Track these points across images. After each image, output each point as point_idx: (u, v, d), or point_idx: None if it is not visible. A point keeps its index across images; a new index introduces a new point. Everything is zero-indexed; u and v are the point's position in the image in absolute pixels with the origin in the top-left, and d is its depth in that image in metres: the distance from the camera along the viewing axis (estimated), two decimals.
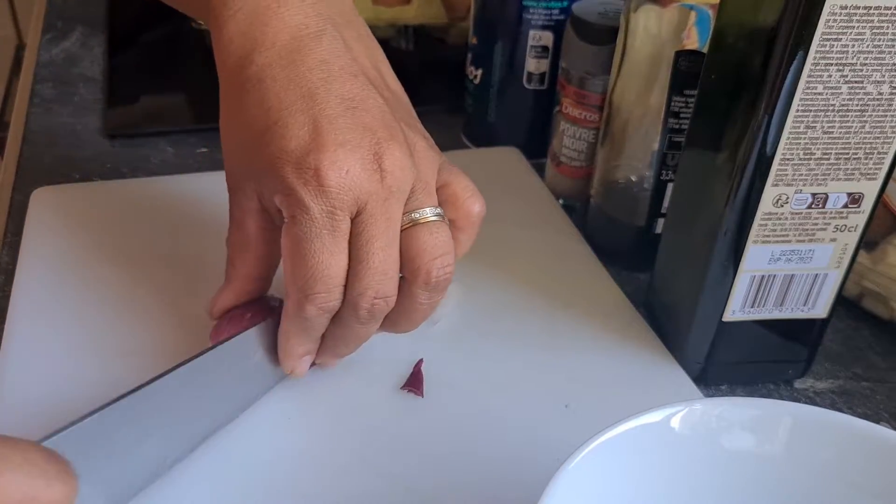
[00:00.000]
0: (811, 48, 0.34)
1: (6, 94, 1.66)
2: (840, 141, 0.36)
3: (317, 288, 0.35)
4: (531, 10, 0.55)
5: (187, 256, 0.48)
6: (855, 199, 0.38)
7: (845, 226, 0.39)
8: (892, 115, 0.36)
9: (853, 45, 0.34)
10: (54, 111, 0.66)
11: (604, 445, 0.29)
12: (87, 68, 0.73)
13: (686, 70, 0.44)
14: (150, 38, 0.79)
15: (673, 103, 0.45)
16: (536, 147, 0.61)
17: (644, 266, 0.50)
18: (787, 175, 0.37)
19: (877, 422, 0.40)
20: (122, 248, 0.49)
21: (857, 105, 0.36)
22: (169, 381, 0.35)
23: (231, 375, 0.38)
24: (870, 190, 0.38)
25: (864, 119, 0.36)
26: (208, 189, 0.51)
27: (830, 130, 0.36)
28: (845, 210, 0.39)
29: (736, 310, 0.41)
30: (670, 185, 0.47)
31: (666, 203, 0.48)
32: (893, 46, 0.34)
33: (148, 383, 0.34)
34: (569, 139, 0.55)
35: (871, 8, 0.33)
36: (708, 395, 0.43)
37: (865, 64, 0.34)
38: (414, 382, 0.41)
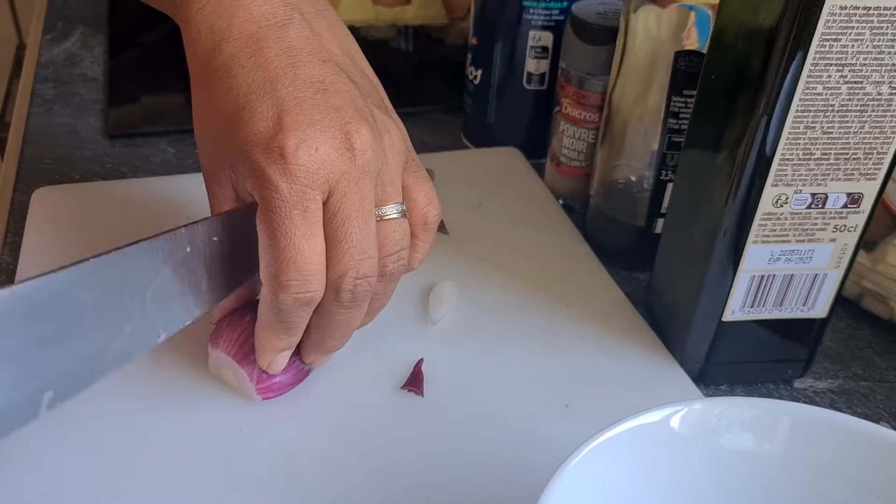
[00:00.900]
0: (811, 48, 0.34)
1: (7, 94, 1.66)
2: (839, 141, 0.36)
3: (289, 275, 0.34)
4: (531, 11, 0.55)
5: None
6: (854, 199, 0.38)
7: (845, 226, 0.39)
8: (892, 116, 0.36)
9: (853, 46, 0.34)
10: (55, 111, 0.66)
11: (604, 445, 0.29)
12: (87, 68, 0.73)
13: (685, 70, 0.44)
14: (150, 38, 0.79)
15: (672, 103, 0.45)
16: (536, 147, 0.61)
17: (644, 266, 0.50)
18: (786, 175, 0.37)
19: (876, 421, 0.40)
20: None
21: (856, 105, 0.36)
22: (65, 275, 0.30)
23: (133, 289, 0.33)
24: (869, 190, 0.38)
25: (864, 119, 0.36)
26: None
27: (830, 130, 0.36)
28: (845, 210, 0.39)
29: (735, 310, 0.41)
30: (670, 186, 0.47)
31: (666, 203, 0.48)
32: (893, 47, 0.34)
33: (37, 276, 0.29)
34: (568, 139, 0.55)
35: (870, 8, 0.33)
36: (707, 395, 0.43)
37: (865, 64, 0.34)
38: (414, 382, 0.41)
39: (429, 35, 0.78)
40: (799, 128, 0.36)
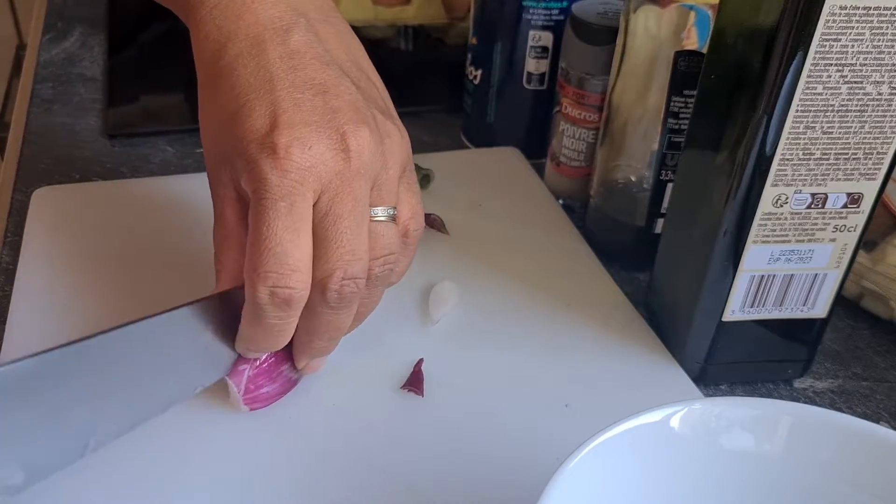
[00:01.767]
0: (811, 48, 0.34)
1: (6, 94, 1.66)
2: (839, 141, 0.36)
3: (268, 265, 0.33)
4: (531, 11, 0.55)
5: (187, 256, 0.48)
6: (854, 200, 0.38)
7: (845, 226, 0.39)
8: (892, 116, 0.36)
9: (853, 46, 0.34)
10: (54, 111, 0.66)
11: (604, 445, 0.29)
12: (87, 68, 0.73)
13: (685, 70, 0.44)
14: (150, 38, 0.79)
15: (672, 103, 0.45)
16: (536, 147, 0.61)
17: (644, 266, 0.50)
18: (786, 175, 0.37)
19: (876, 421, 0.40)
20: (121, 248, 0.49)
21: (856, 105, 0.36)
22: (106, 340, 0.30)
23: (175, 349, 0.34)
24: (869, 190, 0.38)
25: (864, 119, 0.36)
26: (208, 189, 0.51)
27: (830, 130, 0.36)
28: (845, 210, 0.39)
29: (735, 309, 0.41)
30: (670, 186, 0.47)
31: (666, 203, 0.48)
32: (893, 47, 0.34)
33: (79, 341, 0.30)
34: (568, 139, 0.55)
35: (870, 8, 0.33)
36: (708, 395, 0.43)
37: (865, 64, 0.34)
38: (414, 382, 0.41)
39: (429, 35, 0.77)
40: (799, 128, 0.36)
